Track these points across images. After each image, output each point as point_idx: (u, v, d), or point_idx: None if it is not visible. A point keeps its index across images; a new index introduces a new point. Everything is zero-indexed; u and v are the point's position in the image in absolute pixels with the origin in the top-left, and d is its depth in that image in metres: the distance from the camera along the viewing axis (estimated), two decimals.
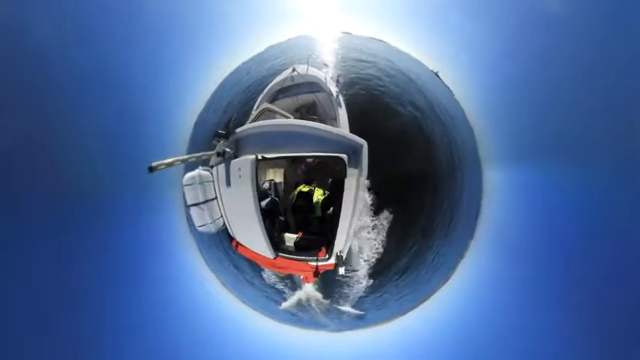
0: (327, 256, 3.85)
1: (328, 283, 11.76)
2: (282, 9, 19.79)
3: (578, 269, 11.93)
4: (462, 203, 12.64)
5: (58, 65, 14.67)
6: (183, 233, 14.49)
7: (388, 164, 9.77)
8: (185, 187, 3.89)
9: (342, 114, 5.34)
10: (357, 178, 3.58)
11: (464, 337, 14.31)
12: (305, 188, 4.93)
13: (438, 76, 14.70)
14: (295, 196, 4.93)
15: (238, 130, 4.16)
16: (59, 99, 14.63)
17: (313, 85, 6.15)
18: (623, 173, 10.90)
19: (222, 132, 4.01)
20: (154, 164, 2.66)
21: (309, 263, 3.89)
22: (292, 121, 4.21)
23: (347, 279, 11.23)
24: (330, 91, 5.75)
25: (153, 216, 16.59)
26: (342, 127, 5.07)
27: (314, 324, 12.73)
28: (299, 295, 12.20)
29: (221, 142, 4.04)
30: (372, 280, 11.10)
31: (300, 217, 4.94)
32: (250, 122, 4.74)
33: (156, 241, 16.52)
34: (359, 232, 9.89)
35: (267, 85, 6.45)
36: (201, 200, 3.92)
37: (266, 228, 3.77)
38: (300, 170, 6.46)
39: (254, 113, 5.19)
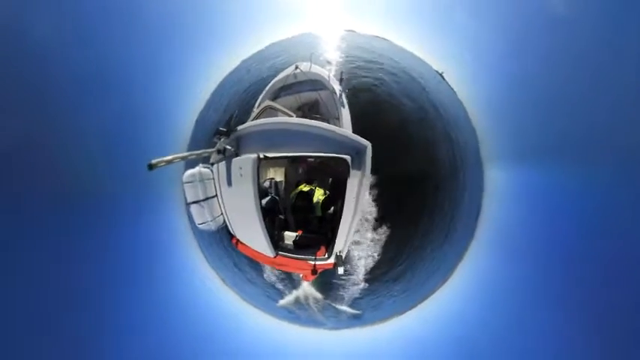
0: (326, 255, 3.84)
1: (327, 282, 11.77)
2: (283, 6, 19.80)
3: (579, 270, 11.93)
4: (464, 203, 12.62)
5: (58, 65, 14.68)
6: (184, 231, 14.49)
7: (389, 164, 9.77)
8: (185, 185, 3.86)
9: (345, 113, 5.29)
10: (360, 180, 3.53)
11: (464, 337, 14.32)
12: (305, 188, 4.90)
13: (442, 77, 14.69)
14: (295, 196, 4.91)
15: (240, 127, 4.13)
16: (59, 99, 14.64)
17: (316, 83, 6.08)
18: (624, 174, 10.90)
19: (223, 129, 3.98)
20: (153, 161, 2.65)
21: (309, 262, 3.88)
22: (295, 119, 4.15)
23: (346, 279, 11.23)
24: (333, 89, 5.67)
25: (153, 216, 16.59)
26: (345, 127, 5.03)
27: (312, 322, 12.76)
28: (297, 292, 12.24)
29: (222, 139, 4.02)
30: (369, 281, 11.11)
31: (300, 217, 4.91)
32: (252, 120, 4.73)
33: (156, 241, 16.52)
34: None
35: (270, 82, 6.43)
36: (202, 198, 3.90)
37: (266, 227, 3.75)
38: (301, 169, 6.43)
39: (256, 111, 5.17)
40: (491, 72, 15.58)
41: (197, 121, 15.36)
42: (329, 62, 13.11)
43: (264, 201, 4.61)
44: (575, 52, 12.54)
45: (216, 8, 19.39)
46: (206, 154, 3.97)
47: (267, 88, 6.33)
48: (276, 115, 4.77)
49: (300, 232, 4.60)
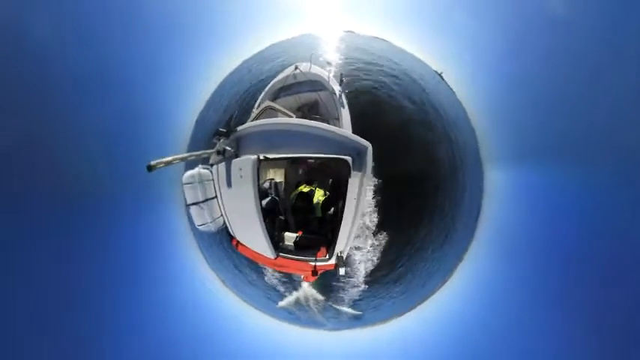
0: (327, 256, 3.83)
1: (327, 283, 11.77)
2: (283, 7, 19.82)
3: (578, 270, 11.94)
4: (464, 203, 12.62)
5: (58, 65, 14.68)
6: (184, 232, 14.49)
7: (389, 164, 9.77)
8: (185, 186, 3.83)
9: (345, 114, 5.27)
10: (361, 181, 3.52)
11: (463, 337, 14.32)
12: (306, 189, 4.89)
13: (441, 77, 14.68)
14: (296, 197, 4.90)
15: (239, 128, 4.11)
16: (59, 99, 14.64)
17: (316, 84, 6.06)
18: (623, 175, 10.90)
19: (222, 130, 3.95)
20: (152, 163, 2.62)
21: (309, 263, 3.88)
22: (295, 120, 4.13)
23: (346, 280, 11.22)
24: (333, 90, 5.65)
25: (153, 216, 16.59)
26: (345, 127, 5.01)
27: (312, 323, 12.76)
28: (298, 294, 12.23)
29: (221, 140, 3.99)
30: (369, 283, 11.11)
31: (300, 218, 4.90)
32: (252, 120, 4.71)
33: (156, 241, 16.53)
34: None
35: (269, 82, 6.42)
36: (201, 199, 3.87)
37: (266, 228, 3.74)
38: (301, 170, 6.42)
39: (255, 111, 5.15)
40: (490, 72, 15.59)
41: (197, 121, 15.35)
42: (329, 63, 13.11)
43: (264, 202, 4.59)
44: (574, 52, 12.55)
45: (216, 8, 19.44)
46: (206, 155, 3.96)
47: (266, 88, 6.30)
48: (276, 116, 4.76)
49: (300, 233, 4.57)
